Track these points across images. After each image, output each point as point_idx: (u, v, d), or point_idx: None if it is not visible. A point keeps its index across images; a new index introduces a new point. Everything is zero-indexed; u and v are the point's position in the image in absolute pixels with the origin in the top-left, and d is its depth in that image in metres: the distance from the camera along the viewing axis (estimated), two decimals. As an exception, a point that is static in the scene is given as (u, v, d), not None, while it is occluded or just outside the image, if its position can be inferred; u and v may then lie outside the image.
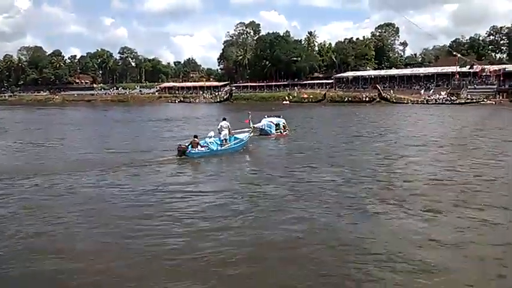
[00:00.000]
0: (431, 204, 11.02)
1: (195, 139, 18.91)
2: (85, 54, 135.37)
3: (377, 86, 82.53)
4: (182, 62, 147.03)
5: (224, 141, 20.09)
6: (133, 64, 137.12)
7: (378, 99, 78.92)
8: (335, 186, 13.23)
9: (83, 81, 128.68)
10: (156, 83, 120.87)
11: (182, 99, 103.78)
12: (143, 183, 13.87)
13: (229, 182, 14.31)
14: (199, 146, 18.81)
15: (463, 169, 15.93)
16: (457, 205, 11.11)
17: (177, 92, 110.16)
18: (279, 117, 27.67)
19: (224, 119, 21.02)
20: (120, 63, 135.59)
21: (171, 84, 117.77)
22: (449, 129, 31.61)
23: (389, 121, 41.58)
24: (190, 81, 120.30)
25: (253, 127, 23.35)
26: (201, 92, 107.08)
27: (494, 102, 66.60)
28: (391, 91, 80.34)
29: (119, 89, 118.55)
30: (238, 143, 20.57)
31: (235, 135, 21.13)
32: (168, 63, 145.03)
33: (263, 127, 26.06)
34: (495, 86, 72.20)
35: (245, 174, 16.03)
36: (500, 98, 68.48)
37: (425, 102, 72.30)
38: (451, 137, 26.37)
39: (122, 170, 16.01)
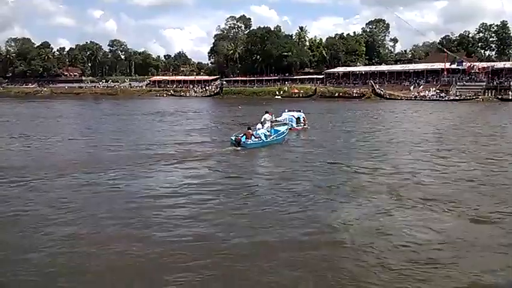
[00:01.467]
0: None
1: (249, 130, 20.18)
2: (74, 47, 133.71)
3: (371, 82, 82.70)
4: (172, 56, 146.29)
5: (267, 133, 21.42)
6: (122, 57, 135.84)
7: (368, 95, 79.18)
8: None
9: (71, 73, 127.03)
10: (146, 77, 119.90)
11: (172, 92, 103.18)
12: (222, 170, 15.65)
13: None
14: (252, 137, 19.98)
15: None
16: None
17: (167, 85, 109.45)
18: (299, 111, 28.28)
19: (267, 112, 22.92)
20: (109, 56, 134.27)
21: (161, 77, 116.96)
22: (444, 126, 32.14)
23: (388, 117, 42.24)
24: (181, 75, 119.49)
25: (275, 121, 24.24)
26: (191, 86, 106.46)
27: (482, 99, 67.34)
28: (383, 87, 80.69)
29: (109, 82, 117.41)
30: (280, 135, 21.83)
31: (275, 128, 22.54)
32: (158, 56, 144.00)
33: (285, 121, 26.50)
34: (484, 83, 72.83)
35: (300, 161, 17.45)
36: (489, 95, 69.17)
37: (418, 98, 72.78)
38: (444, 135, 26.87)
39: (195, 160, 17.29)
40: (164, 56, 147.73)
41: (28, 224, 9.69)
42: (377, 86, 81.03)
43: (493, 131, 29.24)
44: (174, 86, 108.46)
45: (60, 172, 15.05)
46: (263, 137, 20.48)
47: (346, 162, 16.90)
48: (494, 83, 72.29)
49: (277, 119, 25.41)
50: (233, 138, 19.79)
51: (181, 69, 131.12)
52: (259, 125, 21.58)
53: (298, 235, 9.05)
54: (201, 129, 31.27)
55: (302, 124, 27.91)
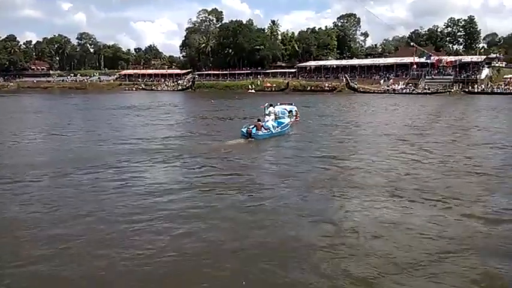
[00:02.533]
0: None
1: (259, 122, 20.98)
2: (41, 40, 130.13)
3: (345, 76, 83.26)
4: (143, 49, 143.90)
5: (275, 124, 22.29)
6: (92, 50, 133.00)
7: (340, 89, 79.80)
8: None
9: (39, 67, 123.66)
10: (115, 70, 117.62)
11: (144, 86, 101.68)
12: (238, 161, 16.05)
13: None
14: (262, 129, 20.69)
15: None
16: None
17: (138, 79, 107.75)
18: (290, 104, 28.50)
19: (271, 105, 23.65)
20: (78, 49, 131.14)
21: (132, 71, 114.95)
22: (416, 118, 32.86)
23: (365, 110, 42.90)
24: (152, 69, 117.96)
25: (269, 112, 24.51)
26: (162, 80, 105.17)
27: (449, 93, 68.92)
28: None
29: (77, 75, 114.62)
30: (284, 127, 22.66)
31: (279, 120, 23.21)
32: (129, 49, 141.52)
33: (277, 114, 26.65)
34: (452, 77, 74.44)
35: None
36: (457, 88, 70.74)
37: (390, 92, 73.87)
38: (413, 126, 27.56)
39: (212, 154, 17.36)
40: (135, 49, 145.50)
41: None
42: (350, 80, 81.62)
43: (464, 121, 30.60)
44: (145, 79, 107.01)
45: (51, 170, 14.40)
46: (272, 129, 21.27)
47: (338, 156, 17.30)
48: (462, 76, 73.94)
49: (270, 110, 25.49)
50: (244, 130, 20.52)
51: (153, 62, 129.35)
52: (267, 117, 22.33)
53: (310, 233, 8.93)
54: (186, 123, 31.29)
55: (294, 117, 28.23)
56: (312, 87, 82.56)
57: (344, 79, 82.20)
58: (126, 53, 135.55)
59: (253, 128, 20.49)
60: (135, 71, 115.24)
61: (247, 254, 7.82)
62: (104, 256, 7.69)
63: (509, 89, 68.04)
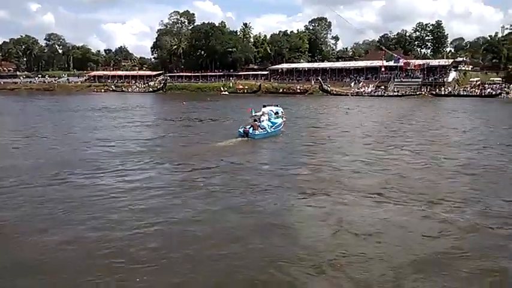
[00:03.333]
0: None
1: (256, 122, 21.58)
2: (8, 40, 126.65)
3: (319, 78, 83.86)
4: (113, 50, 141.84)
5: (271, 124, 22.86)
6: (60, 51, 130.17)
7: (311, 91, 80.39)
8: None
9: (5, 68, 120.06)
10: (85, 72, 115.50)
11: (114, 88, 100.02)
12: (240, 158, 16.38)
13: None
14: (259, 129, 21.26)
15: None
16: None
17: (108, 80, 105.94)
18: (276, 106, 28.30)
19: (265, 106, 24.40)
20: (46, 50, 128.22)
21: (102, 72, 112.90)
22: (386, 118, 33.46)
23: (340, 112, 43.38)
24: (122, 70, 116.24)
25: (255, 115, 24.50)
26: (133, 81, 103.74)
27: (416, 95, 70.41)
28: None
29: (45, 77, 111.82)
30: (277, 127, 23.24)
31: (272, 120, 23.55)
32: (98, 51, 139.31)
33: (270, 114, 26.79)
34: (420, 80, 76.11)
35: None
36: (425, 90, 72.34)
37: (360, 94, 74.90)
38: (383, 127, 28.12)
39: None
40: (105, 50, 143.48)
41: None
42: (324, 83, 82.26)
43: (436, 122, 31.88)
44: (115, 81, 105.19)
45: (31, 175, 13.48)
46: (267, 128, 21.88)
47: (325, 156, 17.35)
48: (430, 79, 75.67)
49: (257, 113, 25.34)
50: (241, 130, 21.05)
51: (123, 64, 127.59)
52: (263, 117, 22.67)
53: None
54: (167, 124, 31.01)
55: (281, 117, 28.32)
56: (284, 90, 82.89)
57: (317, 82, 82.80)
58: (95, 54, 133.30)
59: (250, 128, 21.01)
60: (105, 72, 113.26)
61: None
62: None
63: (475, 91, 70.04)
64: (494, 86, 71.75)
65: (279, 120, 24.00)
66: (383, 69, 79.96)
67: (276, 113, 27.18)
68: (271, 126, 22.50)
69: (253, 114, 24.01)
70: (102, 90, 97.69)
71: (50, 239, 8.13)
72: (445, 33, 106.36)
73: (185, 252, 7.53)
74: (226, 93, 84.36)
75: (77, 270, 6.92)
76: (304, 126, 28.94)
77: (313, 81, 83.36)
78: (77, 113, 40.06)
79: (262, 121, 22.30)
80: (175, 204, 10.29)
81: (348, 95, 74.70)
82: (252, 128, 20.96)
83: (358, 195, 11.06)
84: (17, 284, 6.59)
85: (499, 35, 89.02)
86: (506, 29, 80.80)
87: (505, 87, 70.04)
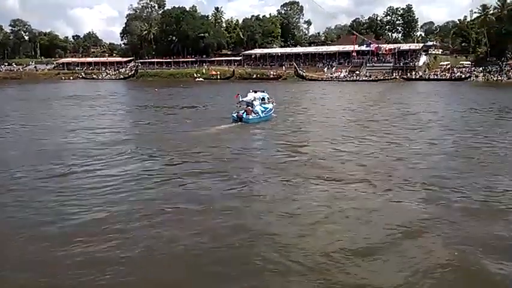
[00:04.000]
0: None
1: (249, 107, 22.21)
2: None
3: (294, 64, 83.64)
4: (82, 36, 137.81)
5: (263, 109, 23.67)
6: (26, 38, 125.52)
7: (285, 77, 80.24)
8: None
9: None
10: (53, 59, 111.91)
11: (83, 75, 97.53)
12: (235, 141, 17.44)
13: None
14: (252, 113, 21.90)
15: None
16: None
17: (77, 68, 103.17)
18: (262, 91, 28.45)
19: (255, 92, 24.79)
20: (11, 37, 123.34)
21: (70, 59, 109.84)
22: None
23: (317, 96, 43.60)
24: (91, 57, 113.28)
25: (242, 101, 25.33)
26: (103, 68, 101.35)
27: (388, 79, 71.24)
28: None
29: (12, 65, 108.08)
30: (269, 111, 23.99)
31: (263, 105, 24.21)
32: (66, 37, 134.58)
33: (249, 101, 26.97)
34: (391, 64, 76.89)
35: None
36: (396, 75, 73.20)
37: (334, 79, 75.12)
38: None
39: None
40: (73, 36, 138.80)
41: None
42: (299, 68, 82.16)
43: (410, 105, 33.61)
44: (85, 68, 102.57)
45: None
46: (260, 113, 22.62)
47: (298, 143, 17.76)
48: (401, 63, 76.54)
49: (244, 99, 25.97)
50: (235, 115, 21.71)
51: (92, 50, 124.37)
52: (255, 102, 23.14)
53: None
54: (152, 113, 30.58)
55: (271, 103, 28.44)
56: (258, 75, 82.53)
57: (293, 67, 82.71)
58: (63, 41, 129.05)
59: (243, 112, 21.68)
60: (74, 59, 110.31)
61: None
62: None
63: (445, 75, 71.31)
64: (464, 69, 73.22)
65: (270, 106, 24.59)
66: (354, 54, 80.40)
67: (263, 98, 27.55)
68: (263, 111, 23.12)
69: (240, 100, 24.60)
70: (71, 78, 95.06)
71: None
72: (415, 18, 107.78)
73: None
74: (201, 79, 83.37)
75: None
76: (289, 113, 29.16)
77: (284, 68, 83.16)
78: (50, 102, 38.95)
79: (255, 106, 22.75)
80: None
81: (323, 80, 74.84)
82: (245, 112, 21.53)
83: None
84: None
85: (468, 19, 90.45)
86: (475, 12, 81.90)
87: (474, 71, 71.56)
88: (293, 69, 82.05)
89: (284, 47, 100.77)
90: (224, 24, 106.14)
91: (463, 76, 70.21)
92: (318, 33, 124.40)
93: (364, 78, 73.38)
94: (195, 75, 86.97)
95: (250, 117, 21.65)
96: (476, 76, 69.85)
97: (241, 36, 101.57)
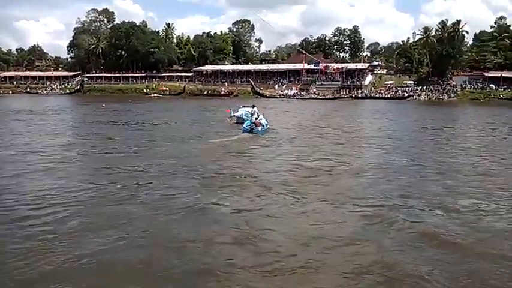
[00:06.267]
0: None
1: (257, 120, 24.87)
2: None
3: (251, 81, 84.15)
4: (26, 50, 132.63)
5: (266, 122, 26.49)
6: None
7: (236, 93, 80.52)
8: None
9: None
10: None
11: (29, 89, 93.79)
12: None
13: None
14: (260, 126, 24.61)
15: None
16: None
17: (20, 82, 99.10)
18: (253, 106, 29.24)
19: (254, 106, 26.83)
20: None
21: (13, 73, 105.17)
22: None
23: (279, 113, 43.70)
24: (36, 70, 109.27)
25: (233, 116, 28.11)
26: (48, 83, 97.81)
27: (335, 98, 73.21)
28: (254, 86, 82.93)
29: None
30: (267, 125, 26.36)
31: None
32: (10, 50, 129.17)
33: (241, 116, 29.04)
34: (339, 83, 79.13)
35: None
36: (344, 93, 75.38)
37: (286, 97, 76.15)
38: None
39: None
40: (16, 49, 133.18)
41: None
42: (256, 85, 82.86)
43: (353, 121, 34.92)
44: (29, 82, 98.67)
45: None
46: (265, 126, 25.39)
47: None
48: (348, 82, 78.92)
49: (235, 114, 28.47)
50: (248, 127, 24.21)
51: (37, 64, 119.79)
52: (261, 116, 26.12)
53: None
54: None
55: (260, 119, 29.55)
56: (209, 92, 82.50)
57: (246, 84, 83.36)
58: (6, 54, 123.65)
59: (253, 124, 24.33)
60: (17, 72, 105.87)
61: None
62: None
63: (389, 93, 74.22)
64: (407, 88, 76.48)
65: (264, 120, 26.59)
66: (304, 72, 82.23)
67: (252, 113, 28.60)
68: (267, 124, 26.09)
69: (232, 115, 28.02)
70: (10, 92, 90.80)
71: None
72: (362, 38, 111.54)
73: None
74: (156, 95, 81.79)
75: None
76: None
77: (236, 85, 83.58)
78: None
79: (261, 119, 25.84)
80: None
81: (278, 98, 75.23)
82: (255, 125, 24.33)
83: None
84: None
85: (411, 41, 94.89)
86: (418, 34, 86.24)
87: (417, 90, 74.98)
88: (249, 86, 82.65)
89: (236, 64, 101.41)
90: (175, 40, 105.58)
91: (406, 95, 73.34)
92: (269, 51, 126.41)
93: (313, 96, 74.95)
94: (145, 90, 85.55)
95: (259, 129, 24.38)
96: (419, 95, 73.20)
97: (193, 53, 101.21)
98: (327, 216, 9.83)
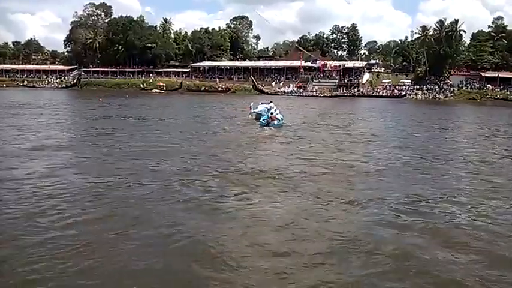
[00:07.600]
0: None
1: (273, 115, 26.58)
2: None
3: (252, 77, 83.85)
4: (23, 43, 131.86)
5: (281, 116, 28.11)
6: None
7: (233, 90, 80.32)
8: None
9: None
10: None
11: (25, 83, 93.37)
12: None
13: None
14: (275, 120, 26.28)
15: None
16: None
17: (16, 75, 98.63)
18: (270, 102, 31.29)
19: (271, 102, 30.07)
20: None
21: (9, 66, 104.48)
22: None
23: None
24: (32, 64, 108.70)
25: (253, 112, 30.00)
26: (45, 76, 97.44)
27: (331, 95, 73.25)
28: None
29: None
30: (282, 119, 27.79)
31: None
32: (6, 43, 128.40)
33: (260, 112, 30.02)
34: (337, 80, 79.18)
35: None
36: (341, 91, 75.43)
37: (285, 93, 76.03)
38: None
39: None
40: (13, 42, 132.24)
41: None
42: (257, 82, 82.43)
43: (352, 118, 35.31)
44: (25, 76, 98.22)
45: None
46: (280, 120, 26.96)
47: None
48: (345, 80, 78.97)
49: (255, 110, 30.02)
50: (264, 121, 26.19)
51: (33, 57, 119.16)
52: (273, 110, 27.51)
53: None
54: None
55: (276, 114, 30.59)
56: (206, 88, 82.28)
57: (243, 80, 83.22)
58: (3, 47, 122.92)
59: (269, 119, 26.02)
60: (13, 66, 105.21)
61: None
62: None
63: (386, 92, 74.38)
64: (404, 87, 76.58)
65: (280, 116, 27.94)
66: (301, 69, 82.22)
67: (269, 109, 30.05)
68: (282, 119, 27.51)
69: (252, 111, 29.99)
70: (4, 85, 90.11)
71: None
72: (360, 36, 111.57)
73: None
74: (158, 91, 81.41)
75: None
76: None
77: (233, 81, 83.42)
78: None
79: (278, 114, 27.44)
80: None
81: (279, 94, 74.56)
82: (271, 119, 25.97)
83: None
84: None
85: (409, 39, 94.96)
86: (415, 33, 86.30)
87: (414, 89, 75.11)
88: (246, 83, 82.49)
89: (233, 60, 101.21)
90: (173, 36, 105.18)
91: (403, 93, 73.46)
92: (267, 48, 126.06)
93: (311, 94, 74.91)
94: (142, 85, 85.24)
95: (275, 122, 26.00)
96: (416, 94, 73.37)
97: (190, 48, 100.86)
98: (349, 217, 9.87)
